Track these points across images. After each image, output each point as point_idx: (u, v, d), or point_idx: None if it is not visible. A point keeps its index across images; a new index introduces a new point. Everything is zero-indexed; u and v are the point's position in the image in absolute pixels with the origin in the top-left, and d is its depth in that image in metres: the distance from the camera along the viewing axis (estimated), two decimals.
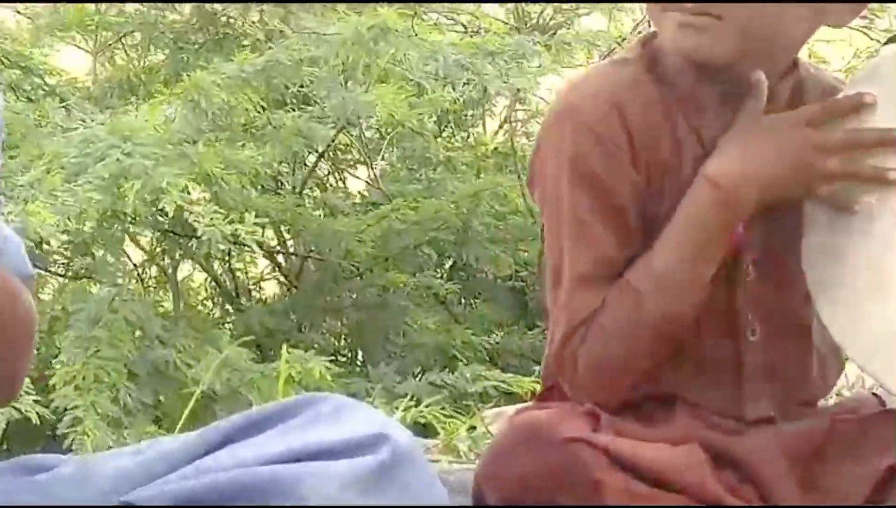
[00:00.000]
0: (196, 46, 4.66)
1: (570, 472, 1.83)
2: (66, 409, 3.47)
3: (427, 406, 3.32)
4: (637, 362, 1.96)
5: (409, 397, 3.44)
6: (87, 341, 3.65)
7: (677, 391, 1.99)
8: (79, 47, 5.04)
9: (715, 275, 1.97)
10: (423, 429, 3.32)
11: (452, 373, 3.93)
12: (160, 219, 4.25)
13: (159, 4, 4.73)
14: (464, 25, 4.82)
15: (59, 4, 4.95)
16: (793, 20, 1.98)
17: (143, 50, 4.89)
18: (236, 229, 3.79)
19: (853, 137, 1.93)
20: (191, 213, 3.70)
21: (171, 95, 4.05)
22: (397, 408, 3.38)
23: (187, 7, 4.72)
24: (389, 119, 4.35)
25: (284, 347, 3.44)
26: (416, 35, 4.10)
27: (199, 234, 3.82)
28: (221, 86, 3.94)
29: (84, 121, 4.06)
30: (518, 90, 4.34)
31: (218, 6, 4.62)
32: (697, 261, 1.94)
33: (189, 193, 3.73)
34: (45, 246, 4.13)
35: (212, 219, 3.69)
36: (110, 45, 4.96)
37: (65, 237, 3.78)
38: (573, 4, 4.64)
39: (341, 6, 4.41)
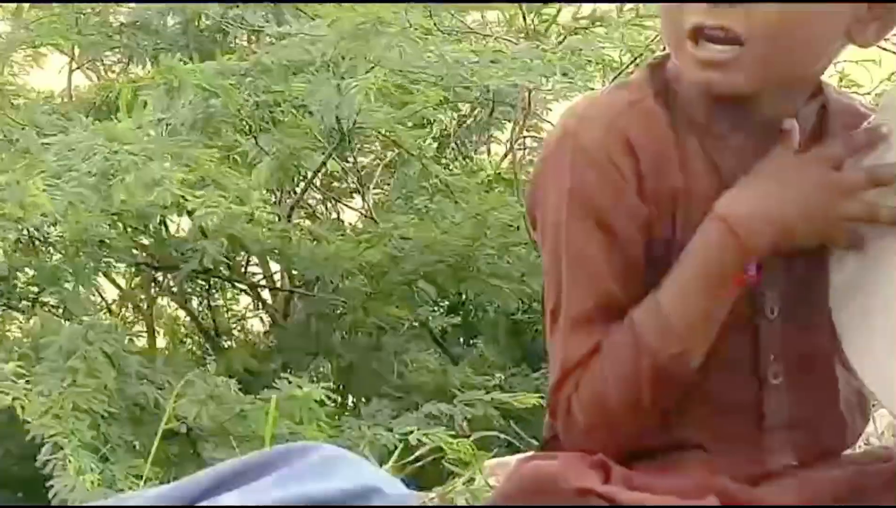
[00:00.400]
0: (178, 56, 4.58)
1: None
2: (44, 438, 3.47)
3: (426, 435, 3.37)
4: (637, 408, 1.86)
5: (401, 446, 3.32)
6: (63, 371, 3.65)
7: (693, 438, 1.89)
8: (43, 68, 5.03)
9: (734, 315, 1.88)
10: (419, 474, 3.17)
11: (451, 404, 3.91)
12: (134, 252, 4.17)
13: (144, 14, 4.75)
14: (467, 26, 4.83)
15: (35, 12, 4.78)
16: (818, 41, 1.89)
17: (123, 68, 4.93)
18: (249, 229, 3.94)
19: (875, 175, 1.84)
20: (187, 200, 3.69)
21: (148, 82, 4.13)
22: (391, 440, 3.52)
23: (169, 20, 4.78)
24: (385, 140, 4.29)
25: (274, 385, 3.59)
26: (410, 26, 4.10)
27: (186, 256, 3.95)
28: (200, 78, 3.98)
29: (61, 133, 4.09)
30: (529, 92, 4.31)
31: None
32: (706, 302, 1.86)
33: (185, 184, 3.74)
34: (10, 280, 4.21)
35: (208, 203, 3.71)
36: (88, 62, 4.98)
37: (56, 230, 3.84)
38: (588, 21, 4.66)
39: (332, 5, 4.41)
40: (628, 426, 1.89)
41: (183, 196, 3.76)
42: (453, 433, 3.56)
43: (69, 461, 3.44)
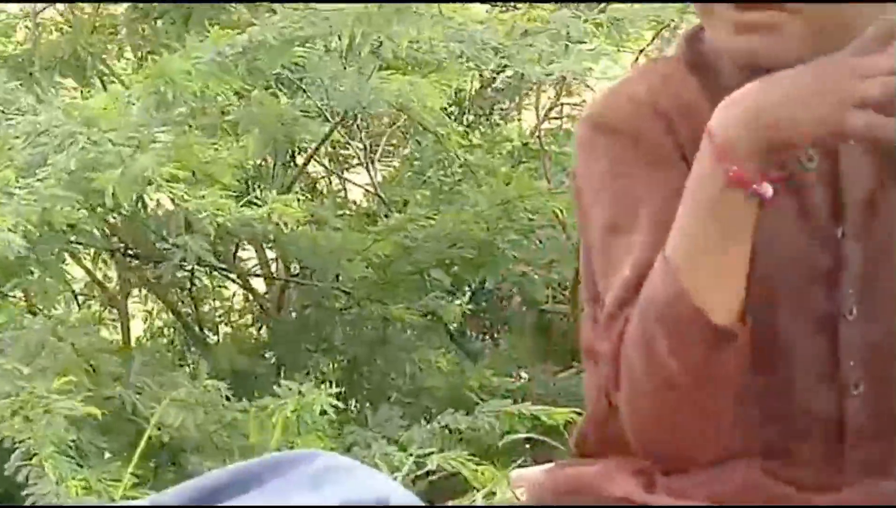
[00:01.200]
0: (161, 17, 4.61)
1: None
2: (14, 443, 3.37)
3: (440, 452, 3.37)
4: (653, 362, 1.76)
5: (410, 454, 3.40)
6: (32, 369, 3.53)
7: (748, 449, 1.83)
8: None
9: (809, 315, 1.85)
10: (432, 485, 3.40)
11: (468, 414, 3.78)
12: (106, 233, 4.07)
13: None
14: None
15: None
16: (872, 7, 1.87)
17: (93, 11, 4.78)
18: (243, 215, 3.74)
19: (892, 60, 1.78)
20: (178, 199, 3.57)
21: (134, 82, 4.03)
22: (404, 461, 3.39)
23: None
24: (396, 114, 4.24)
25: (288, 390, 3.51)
26: (440, 13, 3.97)
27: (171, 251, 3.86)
28: (194, 74, 3.82)
29: (25, 104, 3.95)
30: (563, 78, 4.30)
31: None
32: (699, 229, 1.79)
33: (178, 180, 3.58)
34: None
35: (201, 202, 3.59)
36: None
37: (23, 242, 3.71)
38: None
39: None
40: (677, 400, 1.79)
41: (174, 199, 3.70)
42: (472, 452, 3.51)
43: (46, 467, 3.32)
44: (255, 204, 4.03)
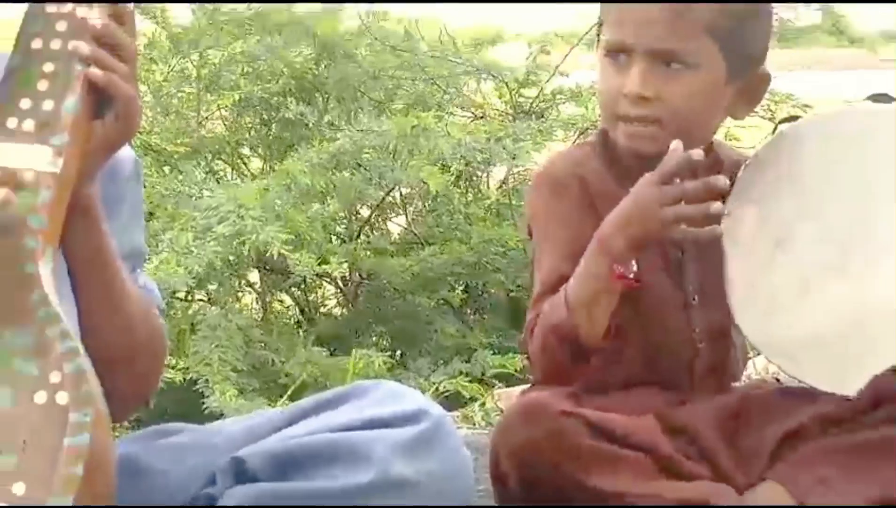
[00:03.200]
0: (282, 128, 4.69)
1: (562, 437, 2.01)
2: (198, 378, 3.68)
3: (453, 379, 3.77)
4: (550, 355, 2.19)
5: (433, 382, 3.80)
6: (212, 338, 3.87)
7: (642, 378, 2.22)
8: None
9: (673, 303, 2.23)
10: (447, 399, 3.62)
11: (468, 362, 4.08)
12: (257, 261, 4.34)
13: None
14: (472, 112, 4.94)
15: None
16: (708, 118, 2.20)
17: (235, 116, 4.82)
18: (322, 268, 4.09)
19: (679, 191, 2.07)
20: (289, 257, 3.93)
21: (270, 177, 4.23)
22: (429, 388, 3.71)
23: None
24: (423, 186, 4.42)
25: (355, 351, 3.87)
26: (448, 134, 4.24)
27: (292, 271, 4.13)
28: (306, 171, 4.08)
29: (203, 188, 4.21)
30: (514, 158, 4.43)
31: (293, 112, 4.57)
32: (587, 291, 2.11)
33: (287, 244, 3.87)
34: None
35: (301, 259, 3.94)
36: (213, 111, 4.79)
37: (192, 282, 3.91)
38: (556, 96, 4.74)
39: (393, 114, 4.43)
40: (557, 365, 2.16)
41: (285, 256, 3.94)
42: (470, 379, 3.84)
43: (217, 390, 3.62)
44: (330, 256, 4.15)
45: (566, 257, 2.12)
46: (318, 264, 3.99)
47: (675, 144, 2.03)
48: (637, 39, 2.06)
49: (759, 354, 2.37)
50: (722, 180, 2.04)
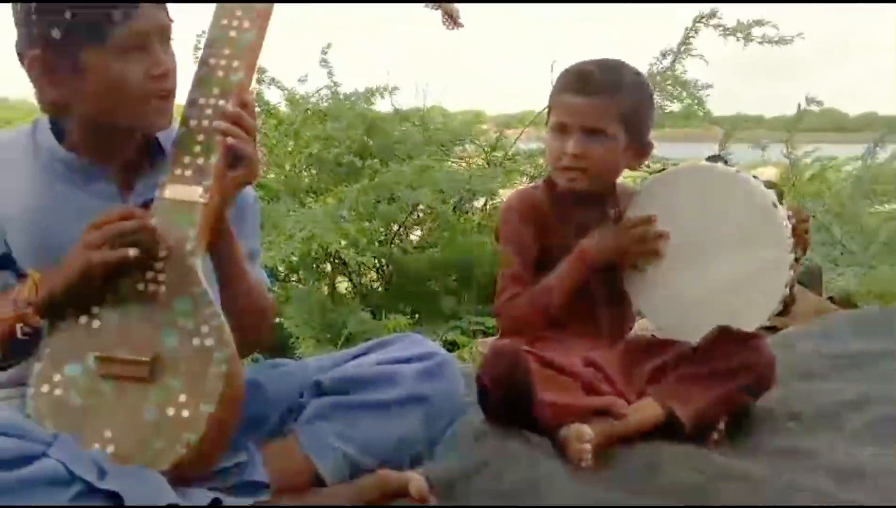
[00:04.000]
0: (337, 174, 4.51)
1: (521, 367, 1.96)
2: (291, 333, 3.55)
3: (451, 333, 3.69)
4: (532, 321, 2.14)
5: (442, 335, 3.63)
6: (299, 307, 3.77)
7: (571, 333, 2.15)
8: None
9: (594, 284, 2.16)
10: (448, 346, 3.45)
11: (460, 322, 3.93)
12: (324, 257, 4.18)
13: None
14: (463, 163, 4.81)
15: None
16: (614, 169, 2.16)
17: (315, 165, 4.61)
18: (368, 261, 4.08)
19: (642, 232, 2.10)
20: (345, 254, 3.89)
21: (333, 203, 4.10)
22: (440, 337, 3.55)
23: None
24: (432, 209, 4.37)
25: (389, 315, 3.76)
26: (446, 176, 4.23)
27: (348, 263, 4.03)
28: (357, 199, 4.03)
29: (290, 210, 4.06)
30: (491, 193, 4.40)
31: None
32: (566, 281, 2.13)
33: (344, 246, 3.83)
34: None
35: (354, 256, 3.88)
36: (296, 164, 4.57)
37: (285, 270, 3.84)
38: (515, 156, 4.56)
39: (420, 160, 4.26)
40: (529, 323, 2.11)
41: (343, 253, 3.89)
42: (461, 333, 3.72)
43: (301, 341, 3.52)
44: (372, 254, 4.04)
45: (522, 263, 2.10)
46: (365, 258, 3.94)
47: (611, 212, 2.09)
48: (574, 121, 2.06)
49: (642, 316, 2.30)
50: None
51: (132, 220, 1.46)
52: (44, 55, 1.47)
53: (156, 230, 1.49)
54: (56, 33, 1.45)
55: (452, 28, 1.57)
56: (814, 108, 5.06)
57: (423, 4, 1.70)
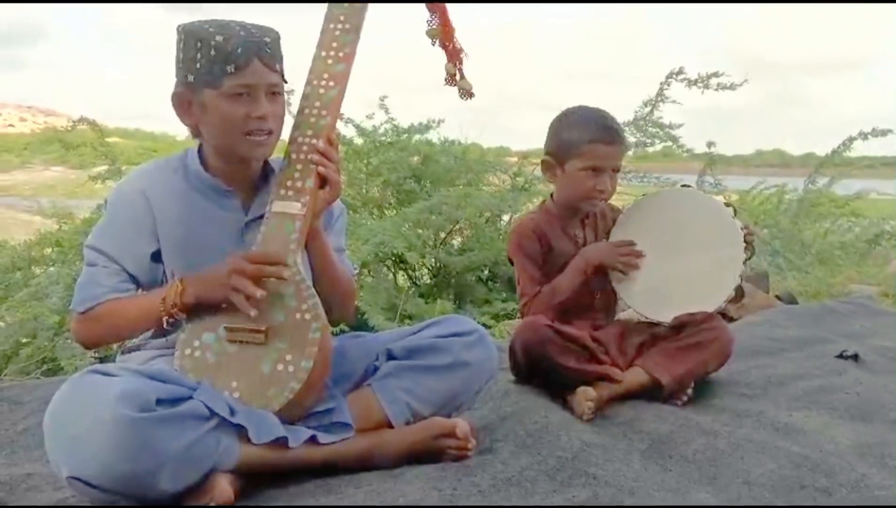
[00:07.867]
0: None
1: (545, 337, 1.89)
2: (364, 311, 3.42)
3: (483, 316, 3.59)
4: (547, 305, 2.04)
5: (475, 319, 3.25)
6: (371, 292, 3.64)
7: (579, 315, 2.07)
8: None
9: (588, 290, 2.07)
10: (487, 327, 3.32)
11: (490, 307, 3.85)
12: (389, 256, 4.04)
13: None
14: (493, 186, 4.59)
15: None
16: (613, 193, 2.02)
17: (381, 185, 4.40)
18: (422, 260, 4.10)
19: (628, 249, 1.99)
20: (406, 255, 3.83)
21: (397, 216, 4.07)
22: (476, 320, 3.18)
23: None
24: (470, 222, 4.26)
25: (438, 301, 3.78)
26: (481, 196, 4.11)
27: (408, 262, 4.05)
28: (415, 214, 3.98)
29: (365, 220, 4.01)
30: (515, 211, 4.22)
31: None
32: (570, 280, 2.04)
33: (406, 249, 3.75)
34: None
35: (412, 256, 3.86)
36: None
37: (360, 265, 3.57)
38: (532, 182, 4.34)
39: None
40: (546, 315, 1.97)
41: (404, 254, 3.80)
42: (492, 317, 3.63)
43: (374, 318, 3.28)
44: (425, 255, 3.88)
45: (532, 277, 2.02)
46: (421, 258, 3.99)
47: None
48: (607, 164, 1.99)
49: (627, 305, 2.15)
50: None
51: (276, 267, 1.47)
52: (182, 92, 1.49)
53: (286, 280, 1.48)
54: (190, 77, 1.48)
55: (467, 99, 1.57)
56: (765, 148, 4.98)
57: (444, 84, 1.66)
